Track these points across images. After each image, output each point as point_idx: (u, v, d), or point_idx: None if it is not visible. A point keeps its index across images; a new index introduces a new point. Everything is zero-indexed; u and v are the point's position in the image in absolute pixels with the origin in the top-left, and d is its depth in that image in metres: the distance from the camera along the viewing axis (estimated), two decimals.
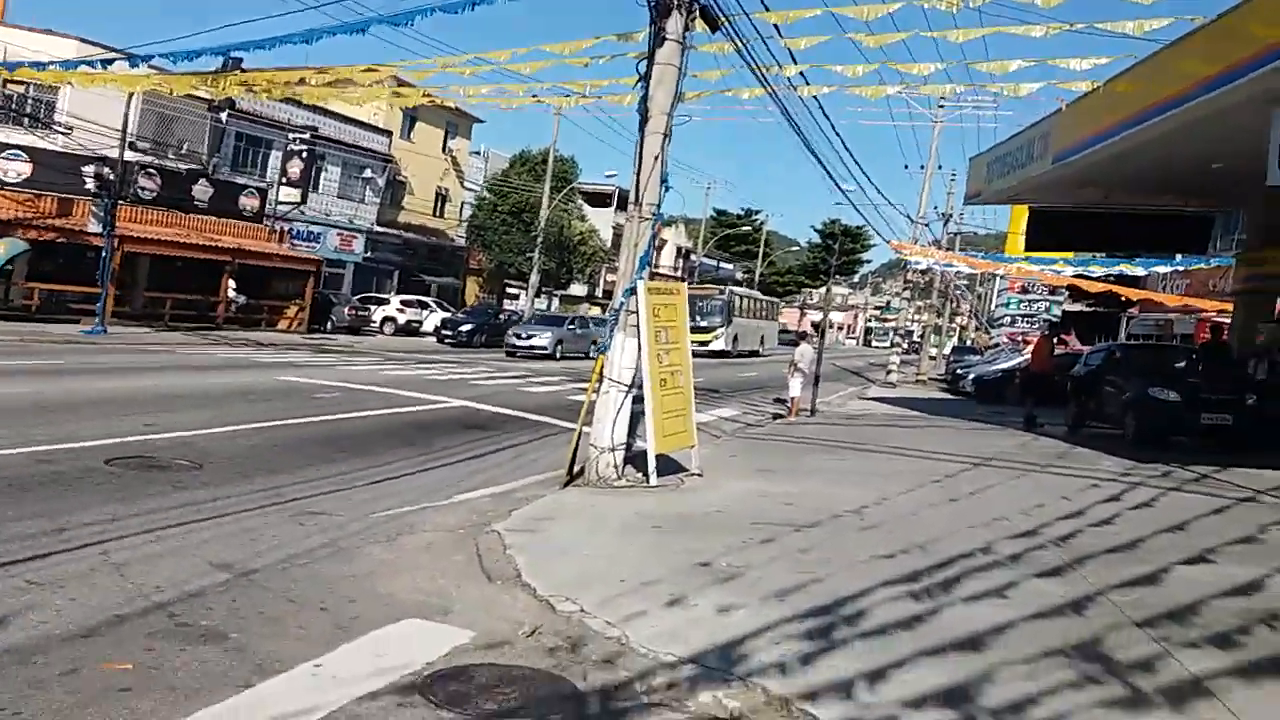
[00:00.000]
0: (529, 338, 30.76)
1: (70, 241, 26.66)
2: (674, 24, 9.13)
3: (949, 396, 26.02)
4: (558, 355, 30.24)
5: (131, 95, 23.26)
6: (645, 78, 9.34)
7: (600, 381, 9.24)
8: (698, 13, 9.46)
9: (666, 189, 9.45)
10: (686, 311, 10.08)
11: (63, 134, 26.32)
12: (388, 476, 8.97)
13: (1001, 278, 40.91)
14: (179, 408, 12.02)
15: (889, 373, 30.99)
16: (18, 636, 4.25)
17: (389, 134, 42.49)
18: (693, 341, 33.37)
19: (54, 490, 7.02)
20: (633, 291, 9.17)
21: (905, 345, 35.13)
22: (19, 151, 26.32)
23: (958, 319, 59.58)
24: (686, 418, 9.79)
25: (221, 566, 5.59)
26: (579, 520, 7.53)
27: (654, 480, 9.01)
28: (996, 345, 37.80)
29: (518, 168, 48.75)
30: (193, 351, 19.34)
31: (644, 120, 9.31)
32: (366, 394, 15.33)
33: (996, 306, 42.84)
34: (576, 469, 9.22)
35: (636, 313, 9.14)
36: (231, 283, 31.61)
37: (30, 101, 27.41)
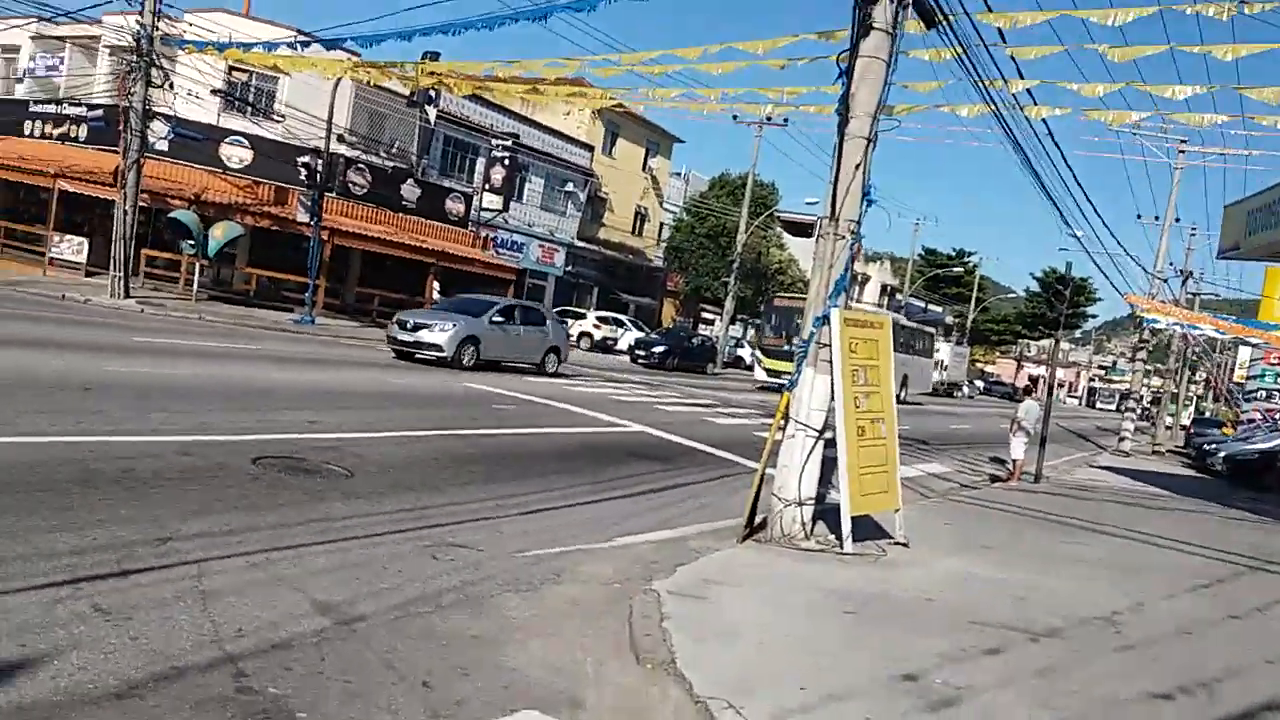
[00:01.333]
0: (415, 330, 19.13)
1: (285, 230, 27.76)
2: (882, 11, 7.72)
3: (1193, 474, 22.79)
4: (466, 361, 19.15)
5: (336, 85, 23.87)
6: (846, 73, 7.97)
7: (785, 421, 7.91)
8: (910, 2, 8.03)
9: (869, 204, 8.02)
10: (890, 349, 8.57)
11: (277, 122, 27.54)
12: (547, 505, 8.00)
13: (1256, 346, 36.05)
14: (353, 405, 11.61)
15: (1122, 440, 27.72)
16: (41, 688, 3.42)
17: (591, 149, 42.66)
18: (771, 371, 24.21)
19: (180, 489, 6.41)
20: (825, 321, 7.80)
21: (1139, 411, 31.53)
22: (241, 138, 27.71)
23: (1194, 387, 53.84)
24: (889, 474, 8.29)
25: (323, 609, 4.67)
26: (755, 590, 6.24)
27: (849, 546, 7.59)
28: (1251, 421, 33.36)
29: (717, 190, 47.90)
30: (389, 349, 19.35)
31: (844, 122, 7.94)
32: (546, 409, 14.61)
33: (1249, 379, 37.87)
34: (757, 520, 7.94)
35: (829, 345, 7.77)
36: (436, 284, 32.22)
37: (253, 90, 28.89)
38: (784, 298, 33.14)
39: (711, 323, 49.28)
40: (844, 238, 7.95)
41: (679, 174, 53.19)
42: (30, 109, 30.89)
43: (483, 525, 7.01)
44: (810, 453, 7.83)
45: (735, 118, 36.69)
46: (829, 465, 7.96)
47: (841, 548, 7.61)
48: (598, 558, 6.69)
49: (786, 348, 27.51)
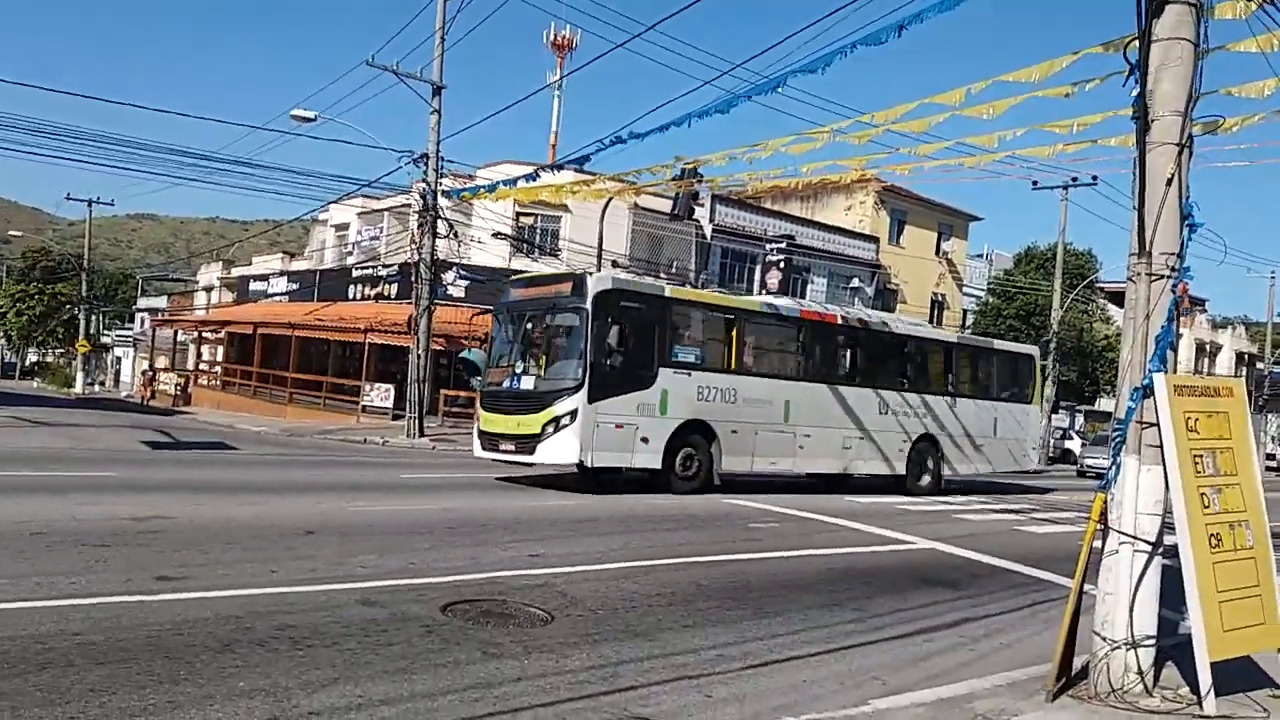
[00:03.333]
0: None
1: None
2: None
3: None
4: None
5: (604, 211, 24.12)
6: (1138, 65, 5.87)
7: (1102, 531, 5.71)
8: None
9: (1191, 229, 5.78)
10: (1248, 423, 6.09)
11: (556, 257, 28.38)
12: (787, 655, 6.28)
13: None
14: (586, 532, 10.56)
15: None
16: None
17: (875, 240, 40.73)
18: (487, 434, 16.48)
19: (334, 649, 5.46)
20: (1147, 392, 5.60)
21: None
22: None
23: None
24: (1267, 598, 5.76)
25: None
26: None
27: (1210, 706, 5.21)
28: None
29: (1023, 265, 43.85)
30: None
31: (1143, 128, 5.79)
32: (814, 525, 12.79)
33: None
34: (1075, 666, 5.74)
35: (1156, 425, 5.55)
36: None
37: (538, 231, 30.20)
38: (523, 281, 17.04)
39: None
40: (1161, 276, 5.78)
41: (980, 255, 49.64)
42: (353, 274, 34.45)
43: (690, 686, 5.46)
44: (1143, 573, 5.57)
45: (1035, 184, 33.53)
46: (1174, 579, 5.64)
47: (1200, 707, 5.24)
48: None
49: (508, 385, 15.03)
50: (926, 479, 18.85)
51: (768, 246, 35.25)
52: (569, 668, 5.57)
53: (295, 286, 39.12)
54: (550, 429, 13.92)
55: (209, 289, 59.65)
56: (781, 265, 34.95)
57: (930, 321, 44.27)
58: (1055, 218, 36.67)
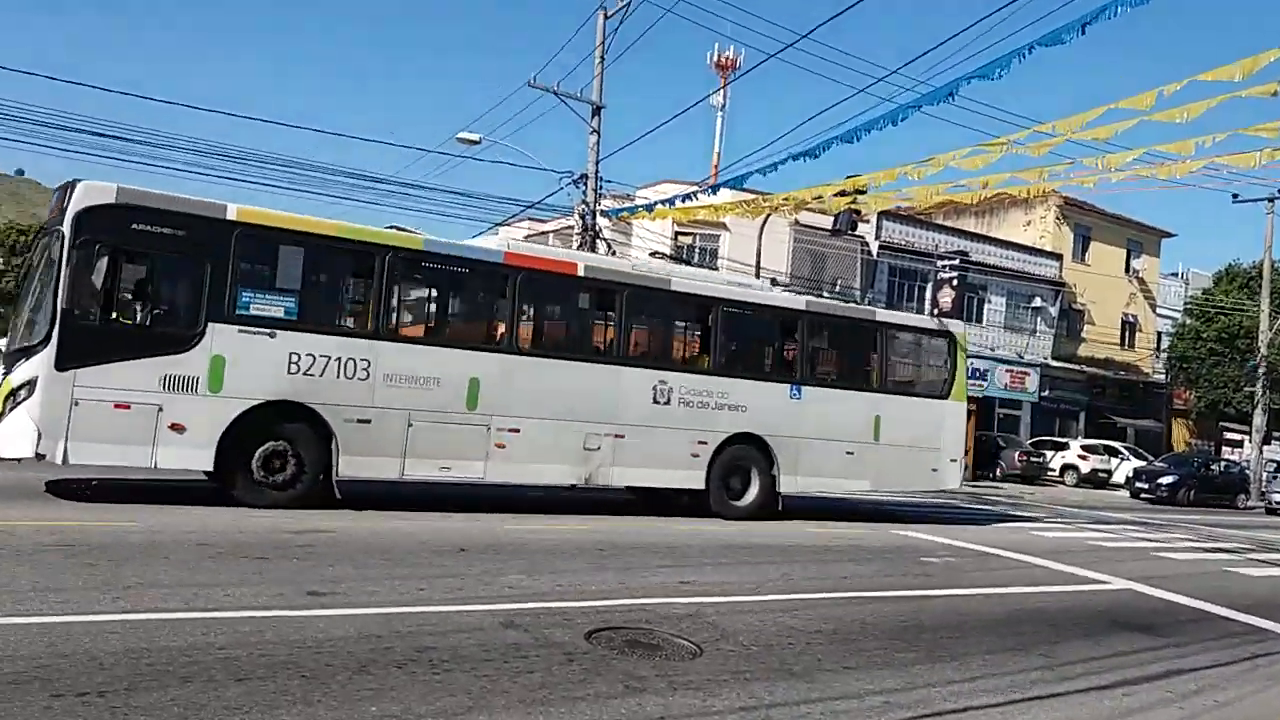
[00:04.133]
0: None
1: None
2: None
3: None
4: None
5: (762, 228, 23.59)
6: None
7: None
8: None
9: None
10: None
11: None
12: (964, 705, 5.61)
13: None
14: (743, 560, 10.06)
15: None
16: None
17: (1058, 257, 38.33)
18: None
19: (469, 675, 5.21)
20: None
21: None
22: None
23: None
24: None
25: None
26: None
27: None
28: None
29: (1224, 285, 40.22)
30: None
31: None
32: (997, 561, 11.82)
33: None
34: None
35: None
36: None
37: (697, 250, 29.95)
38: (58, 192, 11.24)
39: (1239, 444, 40.65)
40: None
41: (1174, 274, 46.03)
42: None
43: None
44: None
45: (1236, 197, 30.75)
46: None
47: None
48: None
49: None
50: (751, 496, 13.80)
51: (939, 263, 33.76)
52: (716, 708, 5.12)
53: None
54: (9, 407, 9.81)
55: None
56: (954, 283, 33.33)
57: (1120, 345, 41.26)
58: (1259, 233, 33.51)
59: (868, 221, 31.88)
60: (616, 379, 12.75)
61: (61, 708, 4.15)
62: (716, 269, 28.98)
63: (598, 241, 23.36)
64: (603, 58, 22.74)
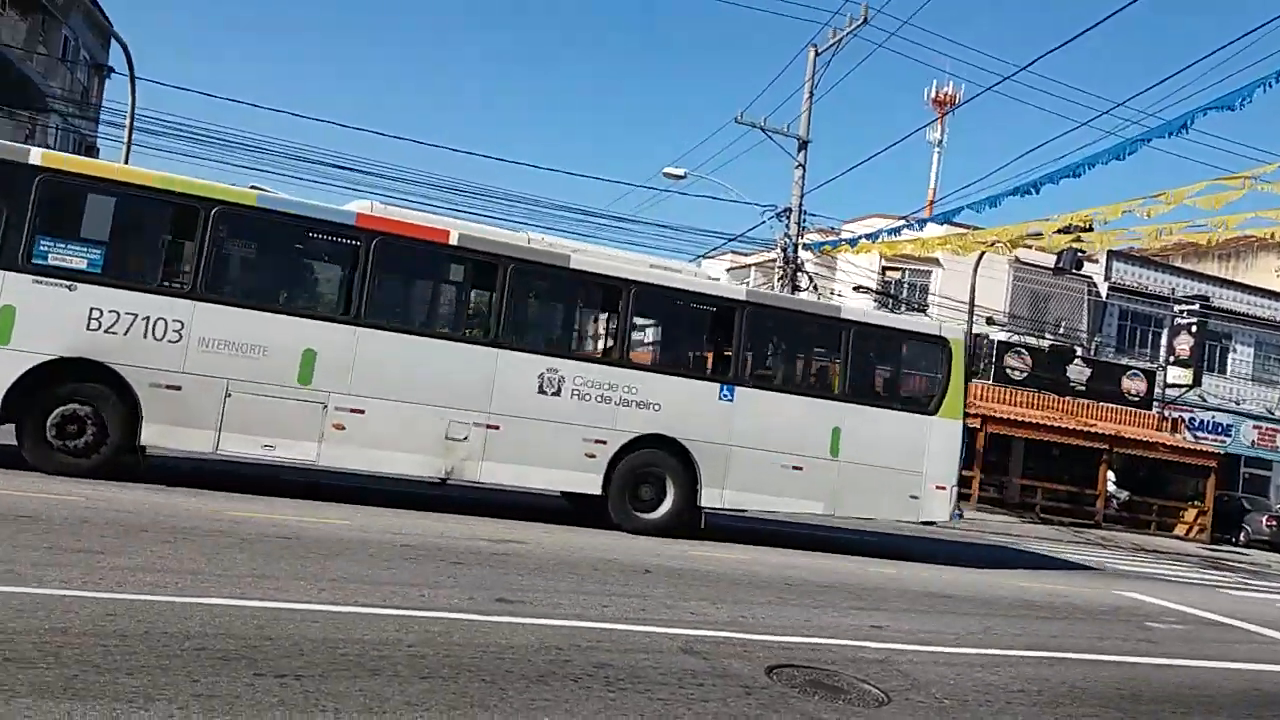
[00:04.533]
0: None
1: None
2: None
3: None
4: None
5: (976, 265, 22.45)
6: None
7: None
8: None
9: None
10: None
11: (920, 312, 26.91)
12: None
13: None
14: (941, 609, 9.47)
15: None
16: None
17: None
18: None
19: (643, 696, 5.11)
20: None
21: None
22: None
23: None
24: None
25: None
26: None
27: None
28: None
29: None
30: (1045, 548, 16.60)
31: None
32: (1233, 633, 10.59)
33: None
34: None
35: None
36: (1110, 475, 28.03)
37: (906, 286, 28.93)
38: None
39: None
40: None
41: None
42: None
43: None
44: None
45: None
46: None
47: None
48: None
49: None
50: (664, 509, 12.05)
51: (1176, 308, 31.06)
52: None
53: None
54: None
55: None
56: (1193, 329, 30.54)
57: None
58: None
59: (1095, 261, 29.83)
60: (493, 363, 11.35)
61: (261, 686, 4.39)
62: (925, 306, 27.94)
63: (799, 275, 23.08)
64: (811, 93, 22.54)
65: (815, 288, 24.15)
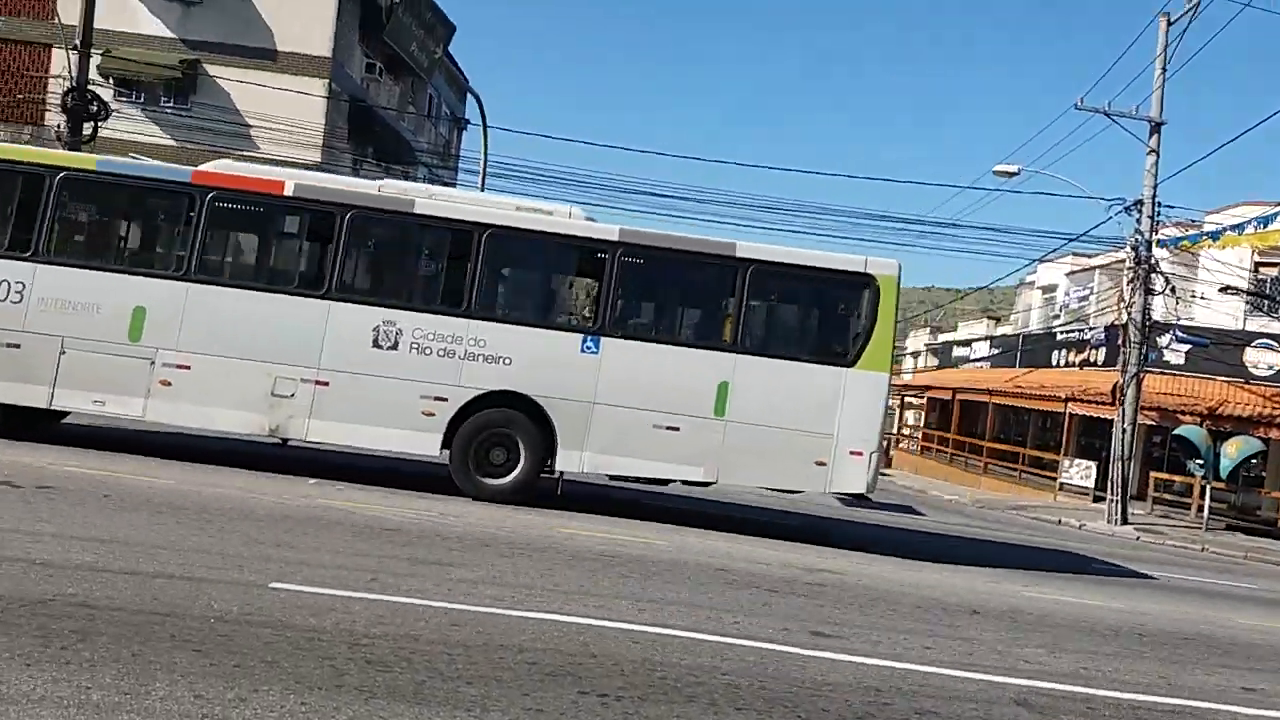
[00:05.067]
0: None
1: None
2: None
3: None
4: None
5: None
6: None
7: None
8: None
9: None
10: None
11: None
12: None
13: None
14: None
15: None
16: None
17: None
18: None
19: None
20: None
21: None
22: (1272, 341, 23.95)
23: None
24: None
25: None
26: None
27: None
28: None
29: None
30: None
31: None
32: None
33: None
34: None
35: None
36: None
37: None
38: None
39: None
40: None
41: None
42: (1056, 339, 32.63)
43: None
44: None
45: None
46: None
47: None
48: None
49: None
50: (515, 473, 10.92)
51: None
52: None
53: (997, 351, 38.57)
54: None
55: (915, 354, 62.22)
56: None
57: None
58: None
59: None
60: (324, 316, 10.88)
61: (585, 705, 4.58)
62: None
63: (1153, 276, 20.74)
64: (1164, 68, 20.25)
65: (1173, 290, 21.58)
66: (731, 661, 5.70)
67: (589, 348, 11.05)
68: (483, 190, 24.29)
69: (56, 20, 24.61)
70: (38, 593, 5.15)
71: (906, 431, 47.11)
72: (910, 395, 46.34)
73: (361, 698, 4.21)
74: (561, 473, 11.17)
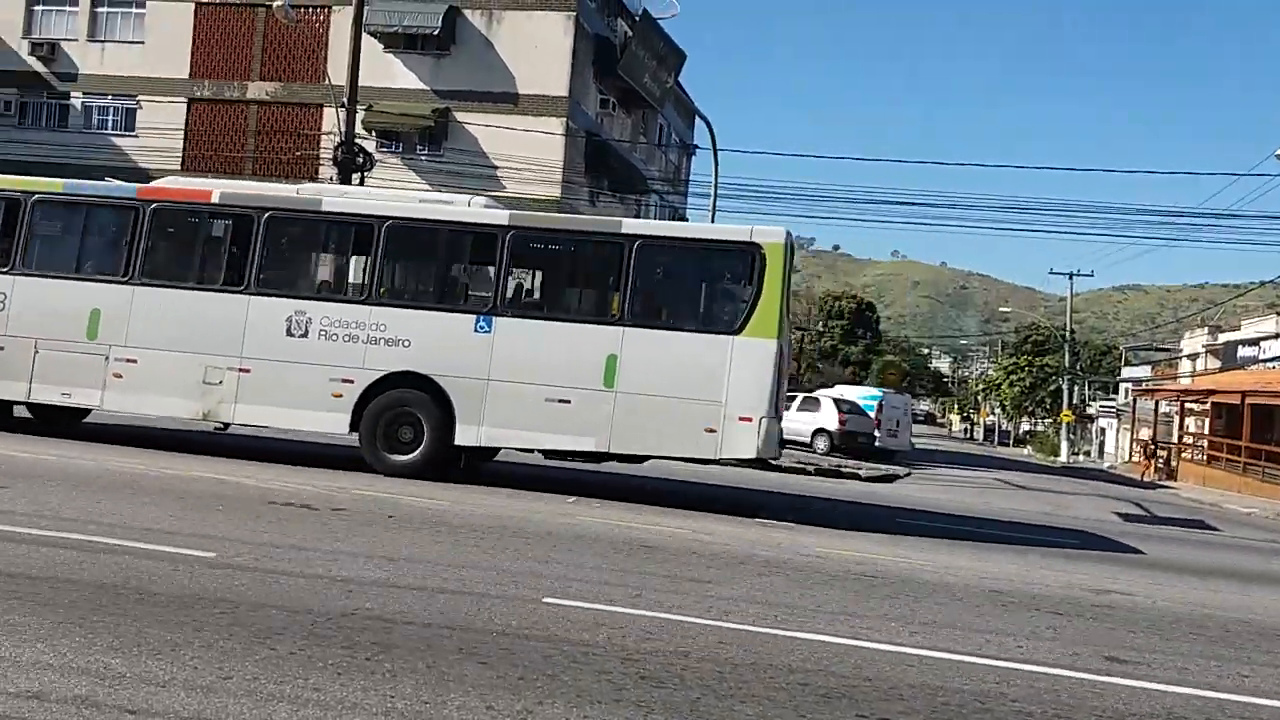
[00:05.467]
0: None
1: None
2: None
3: None
4: None
5: None
6: None
7: None
8: None
9: None
10: None
11: None
12: None
13: None
14: None
15: None
16: None
17: None
18: None
19: None
20: None
21: None
22: None
23: None
24: None
25: None
26: None
27: None
28: None
29: None
30: None
31: None
32: None
33: None
34: None
35: None
36: None
37: None
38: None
39: None
40: None
41: None
42: None
43: None
44: None
45: None
46: None
47: None
48: None
49: None
50: (422, 449, 11.54)
51: None
52: None
53: None
54: None
55: (1193, 356, 56.41)
56: None
57: None
58: None
59: None
60: (244, 309, 12.01)
61: None
62: None
63: None
64: None
65: None
66: (1019, 687, 5.28)
67: (481, 327, 11.67)
68: (712, 216, 24.52)
69: (327, 81, 27.32)
70: (339, 607, 5.59)
71: (1189, 440, 42.72)
72: (1191, 401, 42.00)
73: (641, 712, 4.22)
74: (462, 449, 11.77)
